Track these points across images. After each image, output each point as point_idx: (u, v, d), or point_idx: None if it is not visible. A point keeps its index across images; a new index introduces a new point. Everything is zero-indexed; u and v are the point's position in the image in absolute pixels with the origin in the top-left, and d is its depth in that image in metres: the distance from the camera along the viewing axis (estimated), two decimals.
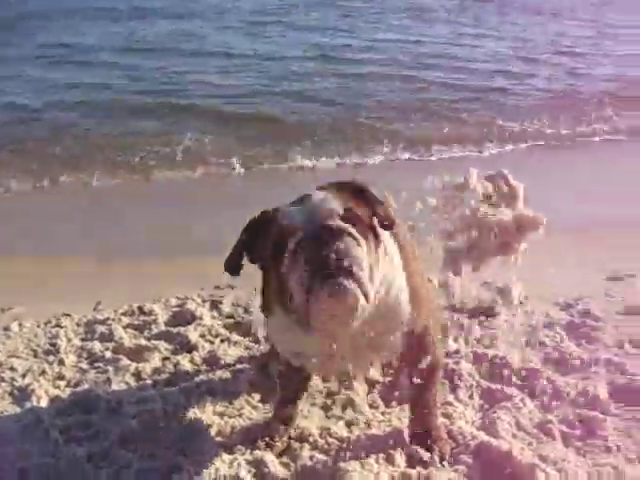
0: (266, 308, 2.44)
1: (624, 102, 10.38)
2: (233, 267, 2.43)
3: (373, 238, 2.24)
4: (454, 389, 3.13)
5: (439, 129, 9.16)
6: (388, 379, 3.22)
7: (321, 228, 2.09)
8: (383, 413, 2.96)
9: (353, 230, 2.12)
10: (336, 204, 2.18)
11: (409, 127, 9.24)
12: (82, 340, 3.71)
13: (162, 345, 3.56)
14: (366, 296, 2.07)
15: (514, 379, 3.22)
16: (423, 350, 2.56)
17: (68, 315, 4.02)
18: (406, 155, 8.32)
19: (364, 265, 2.08)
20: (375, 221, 2.29)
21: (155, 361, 3.43)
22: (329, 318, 2.07)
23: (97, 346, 3.58)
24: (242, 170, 7.67)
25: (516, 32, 16.44)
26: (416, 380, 2.60)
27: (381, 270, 2.26)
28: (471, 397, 3.09)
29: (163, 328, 3.79)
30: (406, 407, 2.91)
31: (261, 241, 2.30)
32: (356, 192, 2.32)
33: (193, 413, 2.94)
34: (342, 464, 2.53)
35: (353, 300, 2.04)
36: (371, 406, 3.03)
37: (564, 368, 3.35)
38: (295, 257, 2.08)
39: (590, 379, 3.22)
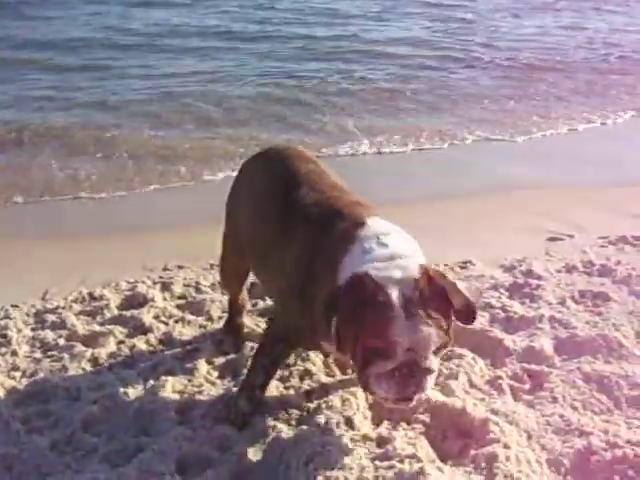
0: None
1: None
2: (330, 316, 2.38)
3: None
4: None
5: None
6: None
7: (415, 365, 2.23)
8: (340, 381, 3.04)
9: (437, 367, 2.30)
10: (433, 326, 2.23)
11: None
12: (33, 330, 3.64)
13: (116, 329, 3.53)
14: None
15: (464, 339, 3.33)
16: None
17: (16, 306, 3.95)
18: None
19: (431, 384, 2.32)
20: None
21: (110, 346, 3.41)
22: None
23: (50, 335, 3.53)
24: None
25: None
26: None
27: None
28: None
29: (116, 312, 3.76)
30: None
31: (360, 323, 2.28)
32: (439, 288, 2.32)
33: (153, 393, 2.96)
34: (303, 432, 2.60)
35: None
36: (328, 375, 3.11)
37: (511, 326, 3.49)
38: (385, 374, 2.25)
39: (535, 335, 3.37)
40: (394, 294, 2.25)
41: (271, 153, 3.22)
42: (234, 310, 3.48)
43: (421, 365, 2.22)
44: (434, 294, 2.28)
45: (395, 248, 2.42)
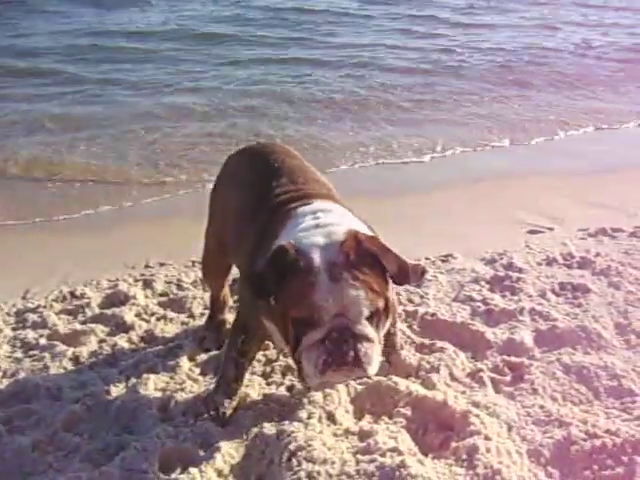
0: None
1: None
2: (263, 295, 2.36)
3: (384, 307, 2.32)
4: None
5: None
6: None
7: (346, 330, 2.18)
8: None
9: (374, 335, 2.24)
10: (362, 288, 2.20)
11: None
12: (14, 330, 3.63)
13: (98, 328, 3.52)
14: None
15: (445, 333, 3.36)
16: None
17: None
18: None
19: (374, 361, 2.25)
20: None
21: (92, 344, 3.40)
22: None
23: (31, 334, 3.51)
24: None
25: None
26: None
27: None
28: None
29: (97, 311, 3.74)
30: None
31: (284, 294, 2.27)
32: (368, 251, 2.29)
33: (135, 392, 2.95)
34: (286, 427, 2.61)
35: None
36: None
37: (491, 319, 3.51)
38: (315, 346, 2.19)
39: (516, 328, 3.40)
40: (316, 258, 2.20)
41: (256, 148, 3.24)
42: (216, 307, 3.48)
43: (353, 330, 2.17)
44: (363, 257, 2.23)
45: (325, 220, 2.39)
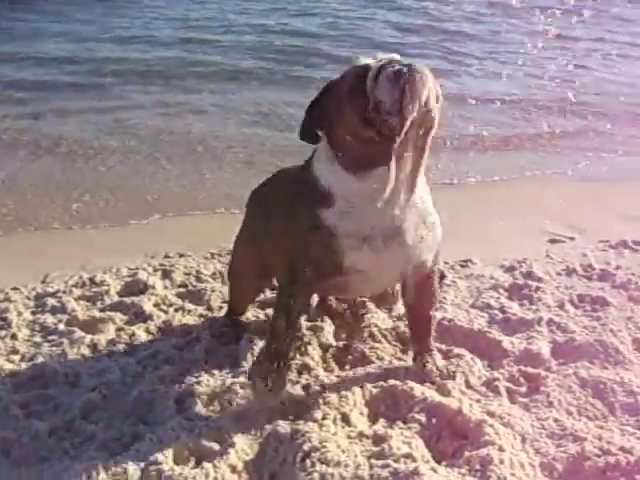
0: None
1: None
2: (309, 136, 2.56)
3: None
4: (405, 351, 3.24)
5: None
6: (342, 343, 3.32)
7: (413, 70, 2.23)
8: (338, 376, 3.06)
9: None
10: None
11: None
12: (33, 314, 3.66)
13: (116, 316, 3.55)
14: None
15: (462, 340, 3.35)
16: (434, 293, 2.97)
17: (17, 289, 3.96)
18: None
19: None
20: None
21: (110, 332, 3.43)
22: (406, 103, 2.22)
23: (50, 319, 3.55)
24: None
25: None
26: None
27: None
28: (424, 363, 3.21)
29: (116, 299, 3.77)
30: (359, 369, 3.04)
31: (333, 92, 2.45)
32: None
33: (152, 382, 2.98)
34: (300, 426, 2.62)
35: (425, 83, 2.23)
36: (325, 369, 3.13)
37: (509, 328, 3.50)
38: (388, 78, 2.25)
39: (533, 338, 3.39)
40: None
41: (280, 174, 3.18)
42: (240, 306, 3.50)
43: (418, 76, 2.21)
44: None
45: None
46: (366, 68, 2.32)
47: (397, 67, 2.23)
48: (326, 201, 2.54)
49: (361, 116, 2.32)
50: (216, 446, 2.58)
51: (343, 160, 2.48)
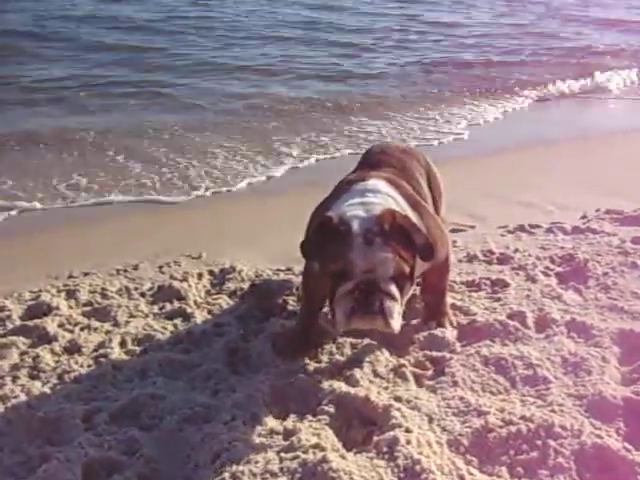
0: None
1: None
2: (310, 256, 2.90)
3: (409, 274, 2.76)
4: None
5: None
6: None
7: (373, 284, 2.62)
8: (248, 378, 3.07)
9: (397, 295, 2.68)
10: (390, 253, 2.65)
11: None
12: None
13: (19, 340, 3.45)
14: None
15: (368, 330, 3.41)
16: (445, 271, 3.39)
17: None
18: None
19: (396, 317, 2.69)
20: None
21: (14, 357, 3.33)
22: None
23: None
24: None
25: None
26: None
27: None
28: (331, 353, 3.27)
29: (18, 323, 3.66)
30: (268, 369, 3.07)
31: (326, 254, 2.74)
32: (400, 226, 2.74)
33: (58, 403, 2.91)
34: (210, 430, 2.63)
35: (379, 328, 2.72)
36: (234, 373, 3.15)
37: (414, 315, 3.59)
38: (346, 295, 2.64)
39: None
40: (355, 225, 2.66)
41: (374, 145, 4.01)
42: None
43: (380, 285, 2.59)
44: (395, 230, 2.68)
45: (370, 199, 2.85)
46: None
47: (356, 303, 2.62)
48: None
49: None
50: (126, 458, 2.55)
51: None
